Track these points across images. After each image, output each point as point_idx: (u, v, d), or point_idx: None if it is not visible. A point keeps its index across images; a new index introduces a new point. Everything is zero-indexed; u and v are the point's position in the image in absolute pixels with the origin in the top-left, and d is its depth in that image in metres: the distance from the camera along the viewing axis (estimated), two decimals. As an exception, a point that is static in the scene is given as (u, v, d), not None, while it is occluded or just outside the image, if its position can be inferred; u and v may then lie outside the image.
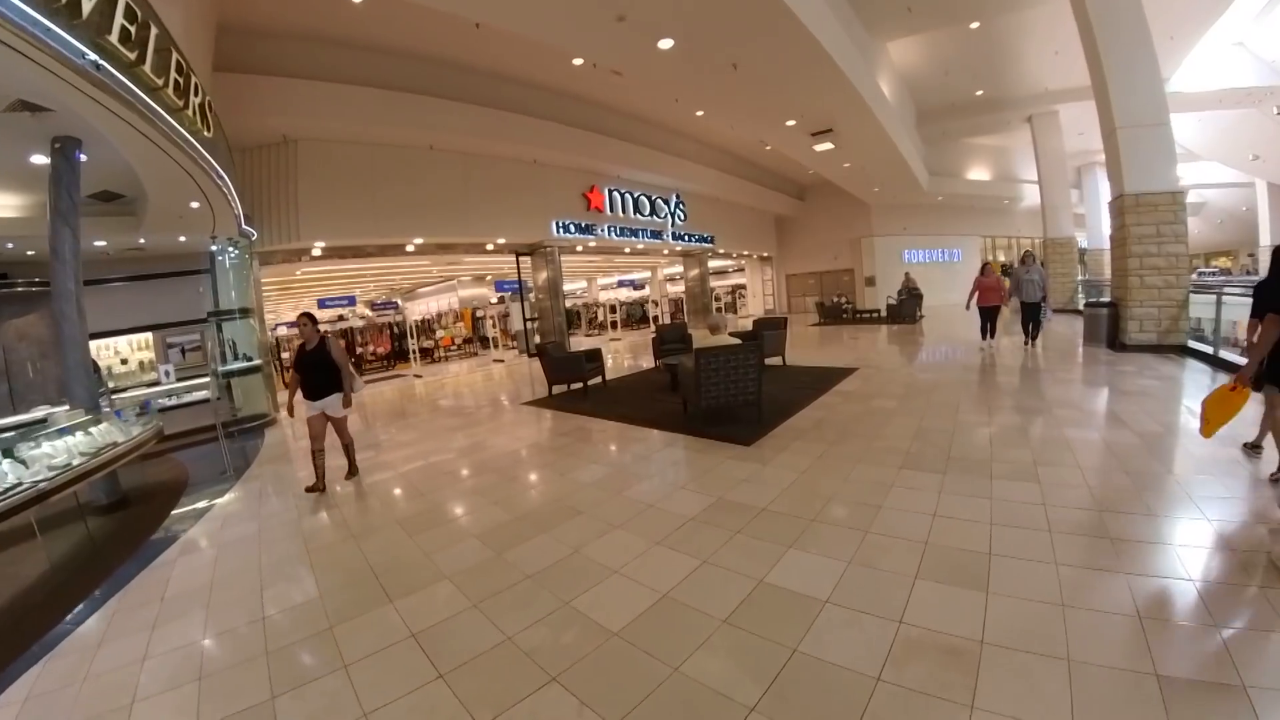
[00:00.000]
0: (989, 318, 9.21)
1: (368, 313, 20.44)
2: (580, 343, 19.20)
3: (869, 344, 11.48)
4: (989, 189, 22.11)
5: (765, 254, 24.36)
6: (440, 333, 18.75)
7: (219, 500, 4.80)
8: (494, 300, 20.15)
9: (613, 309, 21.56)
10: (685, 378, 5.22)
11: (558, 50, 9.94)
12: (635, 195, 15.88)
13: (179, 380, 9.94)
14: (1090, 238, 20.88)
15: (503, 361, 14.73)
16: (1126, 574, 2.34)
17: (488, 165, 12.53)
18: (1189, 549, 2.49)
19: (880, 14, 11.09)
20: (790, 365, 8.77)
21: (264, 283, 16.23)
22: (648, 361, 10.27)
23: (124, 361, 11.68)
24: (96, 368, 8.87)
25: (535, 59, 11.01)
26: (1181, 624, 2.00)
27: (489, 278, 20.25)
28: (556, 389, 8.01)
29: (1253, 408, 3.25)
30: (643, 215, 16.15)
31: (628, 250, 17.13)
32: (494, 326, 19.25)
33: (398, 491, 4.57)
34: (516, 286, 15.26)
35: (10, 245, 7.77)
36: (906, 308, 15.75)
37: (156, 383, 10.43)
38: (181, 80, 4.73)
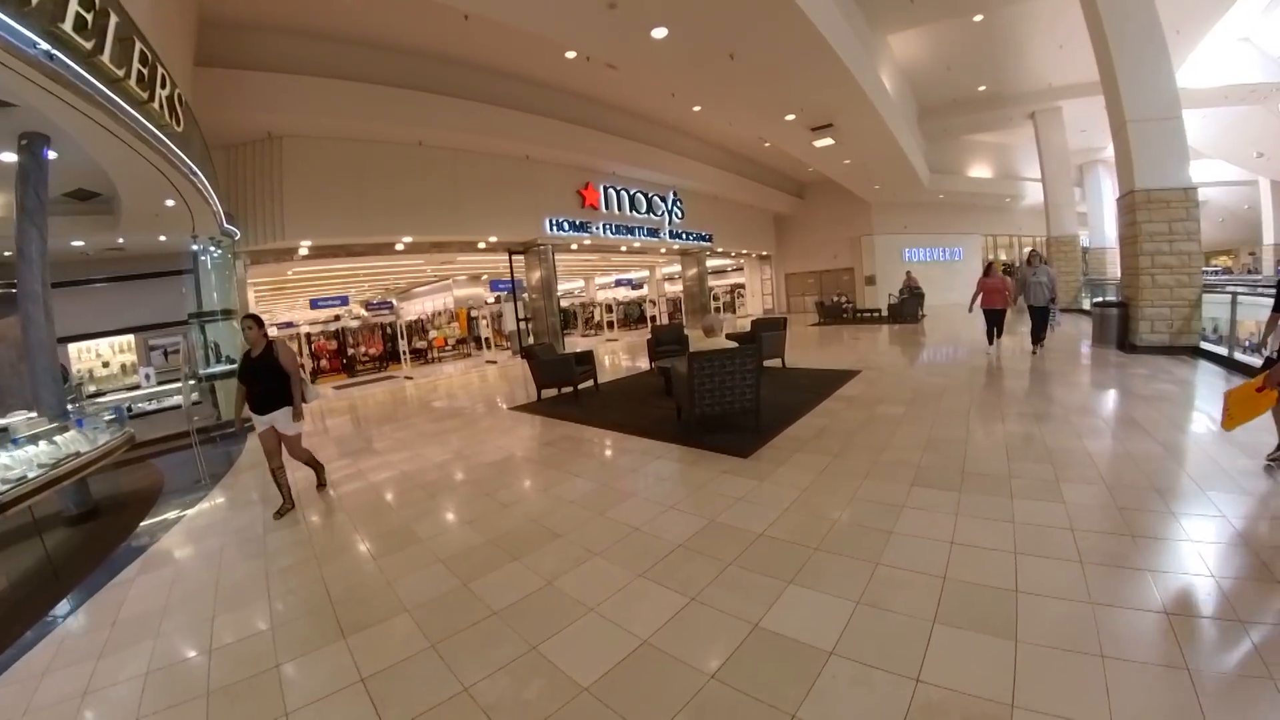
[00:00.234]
0: (994, 321, 8.71)
1: (363, 313, 20.15)
2: (576, 343, 18.93)
3: (871, 345, 11.18)
4: (990, 187, 21.84)
5: (764, 253, 24.06)
6: (433, 333, 18.42)
7: (189, 511, 4.61)
8: (490, 300, 19.86)
9: (609, 309, 21.25)
10: (679, 383, 4.91)
11: (549, 42, 9.61)
12: (631, 192, 15.56)
13: (161, 383, 9.67)
14: (1092, 236, 20.61)
15: (495, 363, 14.41)
16: (1170, 614, 2.04)
17: (479, 162, 12.22)
18: (1234, 580, 2.20)
19: (882, 5, 10.77)
20: (790, 367, 8.46)
21: (256, 283, 16.11)
22: (645, 363, 9.96)
23: (105, 364, 11.39)
24: (65, 373, 8.57)
25: (527, 52, 10.70)
26: (1237, 677, 1.71)
27: (485, 277, 19.97)
28: (546, 393, 7.70)
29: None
30: (639, 213, 15.84)
31: (624, 249, 16.81)
32: (488, 326, 18.95)
33: (368, 507, 4.30)
34: (511, 286, 14.95)
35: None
36: (908, 307, 15.46)
37: (137, 386, 10.16)
38: (146, 71, 4.46)
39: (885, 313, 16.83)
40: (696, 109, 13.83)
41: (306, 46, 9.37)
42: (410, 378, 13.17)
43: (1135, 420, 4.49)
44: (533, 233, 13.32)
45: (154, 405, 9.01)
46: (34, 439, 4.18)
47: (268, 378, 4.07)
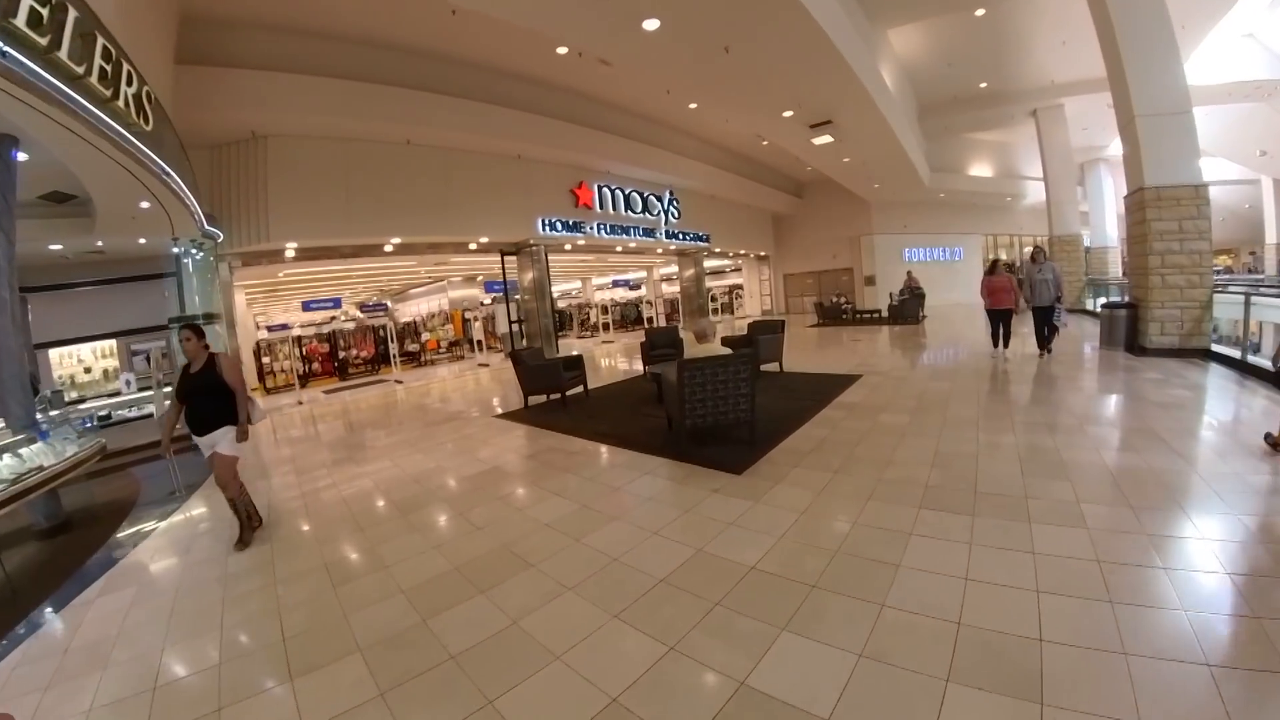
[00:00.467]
0: (1000, 322, 8.24)
1: (359, 314, 19.87)
2: (571, 345, 18.65)
3: (871, 347, 10.89)
4: (991, 185, 21.60)
5: (762, 253, 23.79)
6: (426, 335, 18.11)
7: (160, 525, 4.45)
8: (486, 301, 19.58)
9: (604, 310, 20.96)
10: (669, 391, 4.61)
11: (540, 38, 9.36)
12: (626, 192, 15.28)
13: (142, 389, 9.41)
14: (1093, 236, 20.35)
15: (487, 366, 14.15)
16: (1214, 666, 1.77)
17: (469, 161, 11.94)
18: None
19: (882, -2, 10.51)
20: (788, 371, 8.18)
21: (247, 285, 15.83)
22: (639, 366, 9.66)
23: (87, 370, 11.14)
24: (35, 383, 8.31)
25: (518, 48, 10.43)
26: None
27: (480, 278, 19.69)
28: (535, 399, 7.40)
29: None
30: (634, 213, 15.55)
31: (619, 249, 16.52)
32: (483, 329, 18.66)
33: (337, 524, 4.04)
34: (507, 287, 14.65)
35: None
36: (909, 308, 15.19)
37: (118, 392, 9.90)
38: (109, 68, 4.22)
39: (885, 314, 16.56)
40: (692, 106, 13.58)
41: (291, 43, 9.10)
42: (400, 381, 12.92)
43: (1153, 430, 4.21)
44: (525, 233, 13.03)
45: (136, 412, 8.77)
46: (-2, 451, 3.99)
47: (209, 395, 3.68)
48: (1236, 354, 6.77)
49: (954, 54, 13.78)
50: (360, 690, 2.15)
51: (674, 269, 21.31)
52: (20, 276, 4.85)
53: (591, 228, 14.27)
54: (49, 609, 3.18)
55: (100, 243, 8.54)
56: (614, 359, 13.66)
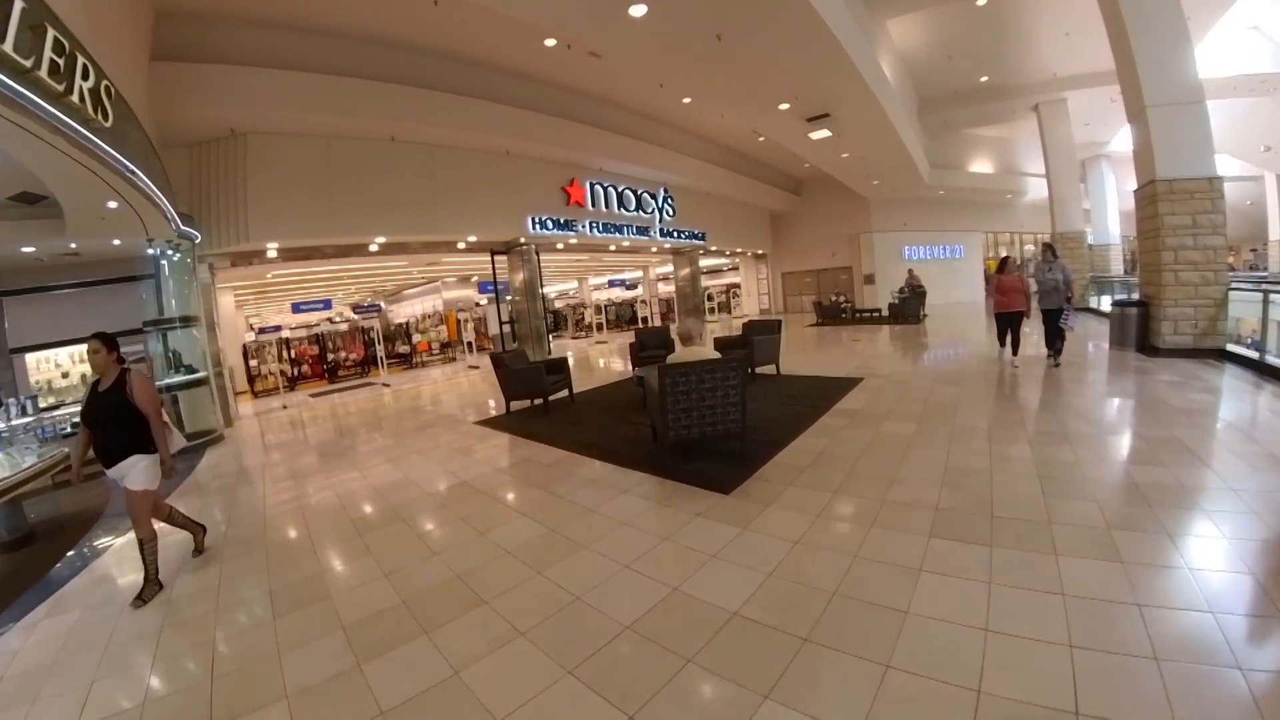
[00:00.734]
0: (1009, 325, 7.37)
1: (354, 316, 19.53)
2: (566, 345, 18.31)
3: (872, 348, 10.52)
4: (992, 182, 21.28)
5: (760, 251, 23.42)
6: (417, 337, 17.75)
7: (118, 540, 4.24)
8: (483, 301, 19.23)
9: (598, 310, 20.61)
10: (652, 398, 4.23)
11: (527, 30, 9.03)
12: (619, 189, 14.90)
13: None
14: (1096, 233, 20.02)
15: (478, 368, 13.79)
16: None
17: (456, 158, 11.57)
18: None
19: (880, -13, 10.17)
20: (785, 374, 7.81)
21: (237, 286, 15.50)
22: (630, 367, 9.29)
23: (65, 375, 10.85)
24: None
25: (504, 41, 10.08)
26: None
27: (474, 279, 19.33)
28: (518, 404, 7.04)
29: None
30: (628, 210, 15.18)
31: (613, 248, 16.15)
32: (475, 330, 18.31)
33: (290, 545, 3.75)
34: (502, 286, 14.27)
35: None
36: (910, 306, 14.84)
37: (92, 397, 9.57)
38: (62, 62, 3.93)
39: (885, 313, 16.21)
40: (686, 101, 13.21)
41: (270, 37, 8.76)
42: (387, 385, 12.59)
43: (1179, 440, 3.86)
44: (514, 232, 12.66)
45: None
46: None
47: (117, 420, 3.11)
48: (1253, 354, 6.45)
49: (954, 46, 13.44)
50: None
51: (670, 268, 20.95)
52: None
53: (583, 226, 13.90)
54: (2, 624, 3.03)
55: (74, 244, 8.27)
56: (605, 360, 13.32)
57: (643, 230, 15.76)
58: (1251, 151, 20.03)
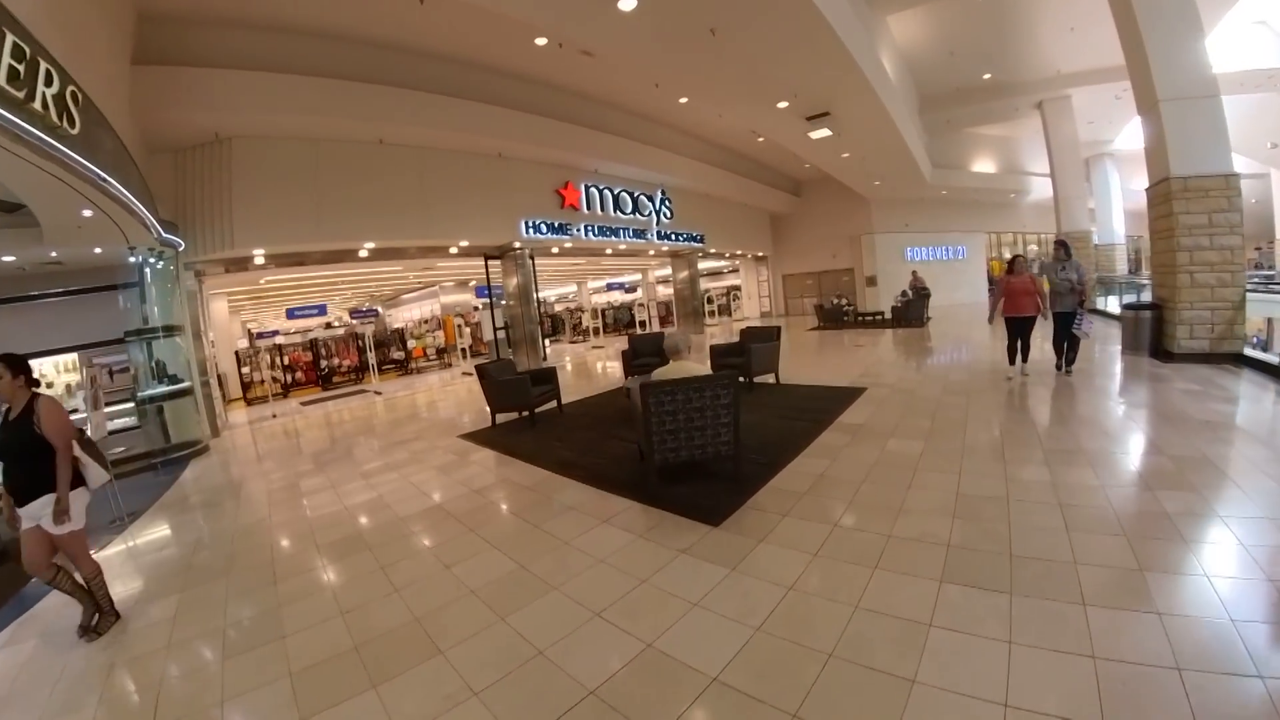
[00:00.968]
0: (1020, 333, 6.65)
1: (352, 321, 19.30)
2: (563, 350, 18.04)
3: (875, 354, 10.20)
4: (994, 182, 20.98)
5: (760, 253, 23.12)
6: (412, 343, 17.49)
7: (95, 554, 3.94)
8: (480, 306, 19.00)
9: (595, 314, 20.34)
10: (636, 415, 3.93)
11: (516, 28, 8.78)
12: (616, 191, 14.62)
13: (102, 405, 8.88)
14: (1100, 233, 19.70)
15: (471, 374, 13.52)
16: None
17: (446, 160, 11.32)
18: None
19: (880, -19, 9.90)
20: (784, 384, 7.51)
21: (233, 292, 15.28)
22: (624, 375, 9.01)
23: (49, 385, 10.65)
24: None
25: (494, 40, 9.83)
26: None
27: (472, 283, 19.09)
28: (505, 416, 6.74)
29: None
30: (624, 213, 14.90)
31: (609, 251, 15.87)
32: (471, 335, 18.06)
33: (252, 574, 3.52)
34: (496, 291, 14.01)
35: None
36: (914, 309, 14.52)
37: (76, 409, 9.33)
38: (22, 68, 3.74)
39: (888, 316, 15.90)
40: (683, 101, 12.95)
41: (253, 39, 8.53)
42: (379, 393, 12.34)
43: (1208, 459, 3.56)
44: (507, 236, 12.40)
45: (89, 430, 8.25)
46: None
47: (24, 451, 2.78)
48: (1274, 359, 6.15)
49: (956, 42, 13.15)
50: None
51: (669, 271, 20.67)
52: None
53: (578, 229, 13.63)
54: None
55: (54, 253, 8.08)
56: (600, 366, 13.04)
57: (640, 233, 15.48)
58: (1257, 148, 19.73)
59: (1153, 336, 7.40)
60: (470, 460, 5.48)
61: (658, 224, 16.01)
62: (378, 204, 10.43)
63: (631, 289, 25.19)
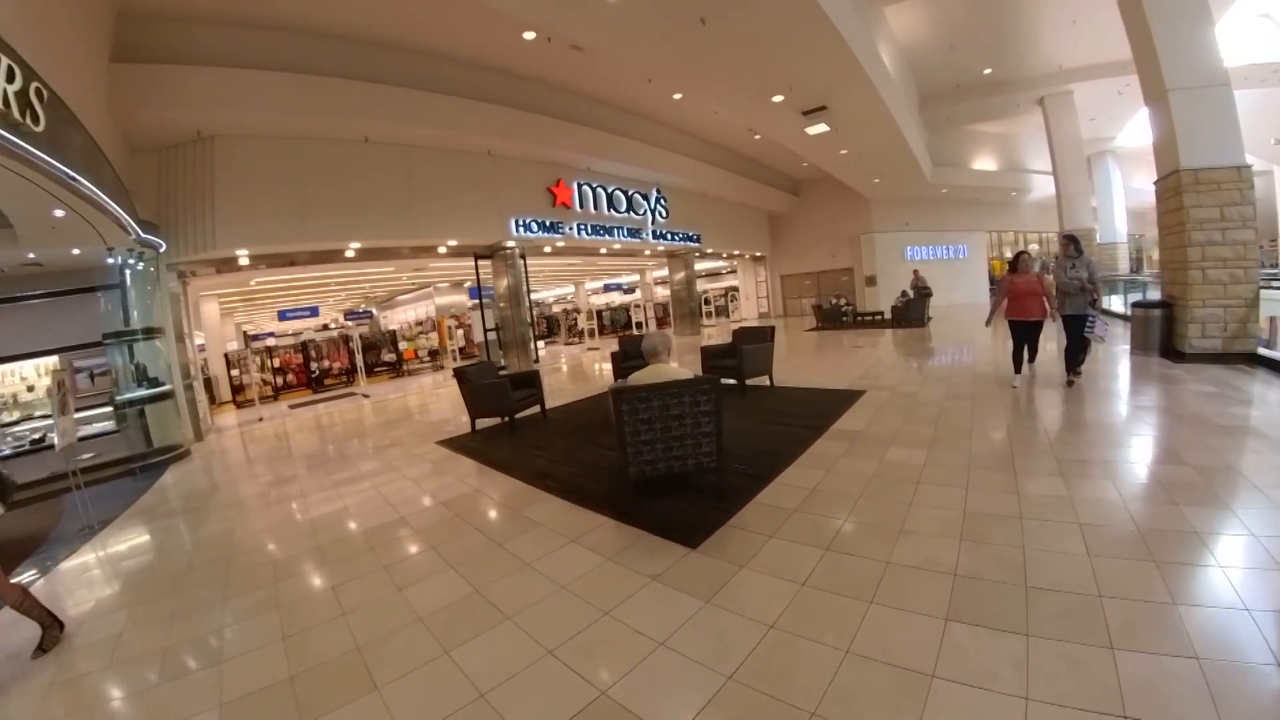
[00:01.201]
0: (1026, 338, 6.13)
1: (346, 323, 19.03)
2: (558, 352, 17.76)
3: (874, 354, 9.90)
4: (995, 180, 20.68)
5: (758, 253, 22.83)
6: (404, 344, 17.21)
7: (56, 567, 3.95)
8: (473, 306, 18.72)
9: (590, 315, 20.05)
10: (613, 423, 3.62)
11: (504, 21, 8.53)
12: (609, 190, 14.34)
13: (81, 409, 8.65)
14: (1103, 231, 19.41)
15: (462, 378, 13.24)
16: None
17: (434, 158, 11.06)
18: None
19: (877, -28, 9.61)
20: (779, 386, 7.21)
21: (224, 293, 15.01)
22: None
23: (30, 389, 10.40)
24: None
25: (481, 35, 9.58)
26: None
27: (467, 284, 18.81)
28: (486, 421, 6.45)
29: None
30: (618, 212, 14.61)
31: (604, 251, 15.59)
32: (464, 336, 17.79)
33: (201, 587, 3.34)
34: (487, 292, 13.71)
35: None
36: (915, 309, 14.22)
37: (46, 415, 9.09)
38: None
39: (888, 316, 15.60)
40: (677, 97, 12.66)
41: (235, 36, 8.30)
42: (367, 396, 12.07)
43: (1234, 468, 3.27)
44: (497, 235, 12.12)
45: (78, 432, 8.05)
46: None
47: None
48: (1288, 358, 5.87)
49: (956, 36, 12.87)
50: None
51: (666, 272, 20.39)
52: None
53: (571, 228, 13.34)
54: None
55: (31, 254, 7.85)
56: (594, 367, 12.74)
57: (634, 232, 15.19)
58: (1261, 145, 19.44)
59: (1163, 336, 7.12)
60: (443, 470, 5.17)
61: (653, 223, 15.73)
62: (363, 203, 10.19)
63: (630, 290, 24.92)
